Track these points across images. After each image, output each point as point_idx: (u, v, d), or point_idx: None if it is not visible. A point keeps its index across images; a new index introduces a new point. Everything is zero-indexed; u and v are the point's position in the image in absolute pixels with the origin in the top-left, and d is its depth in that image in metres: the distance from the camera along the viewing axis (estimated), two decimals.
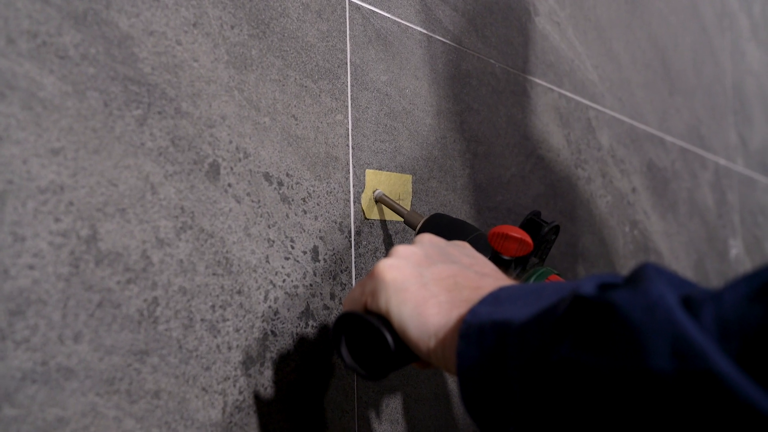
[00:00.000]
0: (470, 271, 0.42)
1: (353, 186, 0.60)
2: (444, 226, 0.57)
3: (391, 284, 0.40)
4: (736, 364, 0.24)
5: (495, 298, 0.36)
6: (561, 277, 0.52)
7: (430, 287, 0.40)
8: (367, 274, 0.43)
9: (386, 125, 0.64)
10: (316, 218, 0.56)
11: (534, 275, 0.52)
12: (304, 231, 0.55)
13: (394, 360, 0.39)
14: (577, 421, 0.29)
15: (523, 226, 0.55)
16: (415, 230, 0.59)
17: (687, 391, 0.25)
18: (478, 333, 0.34)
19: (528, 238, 0.49)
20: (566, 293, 0.32)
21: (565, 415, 0.30)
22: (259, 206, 0.51)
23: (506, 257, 0.49)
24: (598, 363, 0.28)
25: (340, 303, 0.57)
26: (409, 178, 0.66)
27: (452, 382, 0.69)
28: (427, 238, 0.46)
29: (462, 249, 0.46)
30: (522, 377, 0.31)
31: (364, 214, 0.61)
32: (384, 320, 0.40)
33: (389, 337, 0.39)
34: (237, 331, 0.49)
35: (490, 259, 0.50)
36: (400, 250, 0.43)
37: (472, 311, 0.35)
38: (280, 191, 0.53)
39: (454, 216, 0.67)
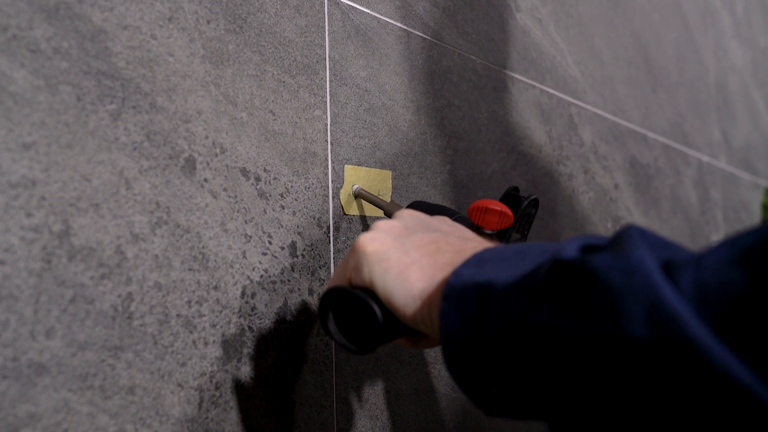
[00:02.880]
0: (452, 236, 0.42)
1: (332, 182, 0.60)
2: (425, 211, 0.57)
3: (373, 255, 0.40)
4: (713, 331, 0.23)
5: (479, 259, 0.36)
6: None
7: (411, 254, 0.40)
8: (349, 250, 0.43)
9: (366, 121, 0.64)
10: (294, 214, 0.56)
11: None
12: (282, 226, 0.55)
13: (382, 332, 0.39)
14: (555, 385, 0.29)
15: (502, 201, 0.55)
16: None
17: (662, 357, 0.25)
18: (461, 294, 0.34)
19: (508, 211, 0.49)
20: (548, 256, 0.32)
21: (544, 379, 0.30)
22: (236, 201, 0.51)
23: (488, 231, 0.49)
24: (575, 327, 0.28)
25: (319, 298, 0.57)
26: (388, 173, 0.66)
27: (433, 378, 0.69)
28: (407, 213, 0.46)
29: (443, 220, 0.46)
30: (502, 340, 0.31)
31: (342, 209, 0.61)
32: (370, 292, 0.40)
33: (376, 308, 0.39)
34: (213, 326, 0.49)
35: None
36: (380, 224, 0.43)
37: (456, 273, 0.35)
38: (258, 186, 0.53)
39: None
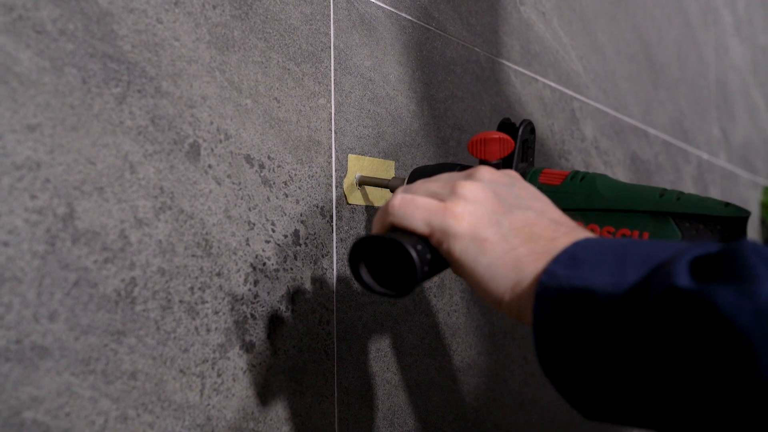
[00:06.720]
0: (545, 218, 0.40)
1: (335, 170, 0.60)
2: (428, 175, 0.56)
3: (469, 232, 0.38)
4: None
5: (572, 258, 0.34)
6: (552, 169, 0.52)
7: (510, 239, 0.38)
8: (435, 204, 0.40)
9: (369, 110, 0.64)
10: (297, 202, 0.56)
11: (528, 176, 0.52)
12: (285, 214, 0.55)
13: (420, 277, 0.39)
14: (668, 406, 0.29)
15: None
16: None
17: None
18: (556, 298, 0.33)
19: (507, 137, 0.49)
20: (654, 265, 0.31)
21: (654, 397, 0.30)
22: (240, 188, 0.51)
23: (493, 162, 0.49)
24: (696, 361, 0.27)
25: (321, 287, 0.57)
26: (391, 164, 0.66)
27: (434, 369, 0.69)
28: (488, 176, 0.43)
29: (527, 189, 0.44)
30: (606, 354, 0.31)
31: (346, 198, 0.60)
32: (407, 235, 0.40)
33: (414, 256, 0.38)
34: (216, 313, 0.49)
35: None
36: (474, 192, 0.40)
37: (548, 272, 0.34)
38: (261, 174, 0.53)
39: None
